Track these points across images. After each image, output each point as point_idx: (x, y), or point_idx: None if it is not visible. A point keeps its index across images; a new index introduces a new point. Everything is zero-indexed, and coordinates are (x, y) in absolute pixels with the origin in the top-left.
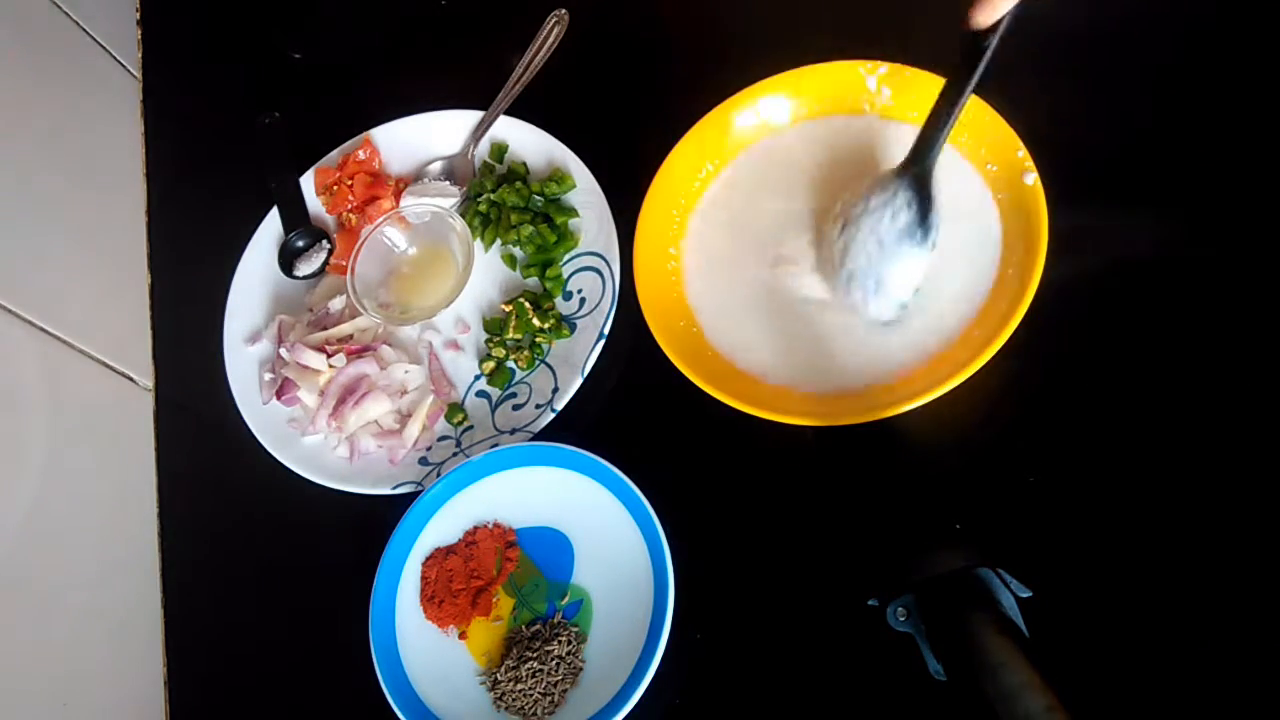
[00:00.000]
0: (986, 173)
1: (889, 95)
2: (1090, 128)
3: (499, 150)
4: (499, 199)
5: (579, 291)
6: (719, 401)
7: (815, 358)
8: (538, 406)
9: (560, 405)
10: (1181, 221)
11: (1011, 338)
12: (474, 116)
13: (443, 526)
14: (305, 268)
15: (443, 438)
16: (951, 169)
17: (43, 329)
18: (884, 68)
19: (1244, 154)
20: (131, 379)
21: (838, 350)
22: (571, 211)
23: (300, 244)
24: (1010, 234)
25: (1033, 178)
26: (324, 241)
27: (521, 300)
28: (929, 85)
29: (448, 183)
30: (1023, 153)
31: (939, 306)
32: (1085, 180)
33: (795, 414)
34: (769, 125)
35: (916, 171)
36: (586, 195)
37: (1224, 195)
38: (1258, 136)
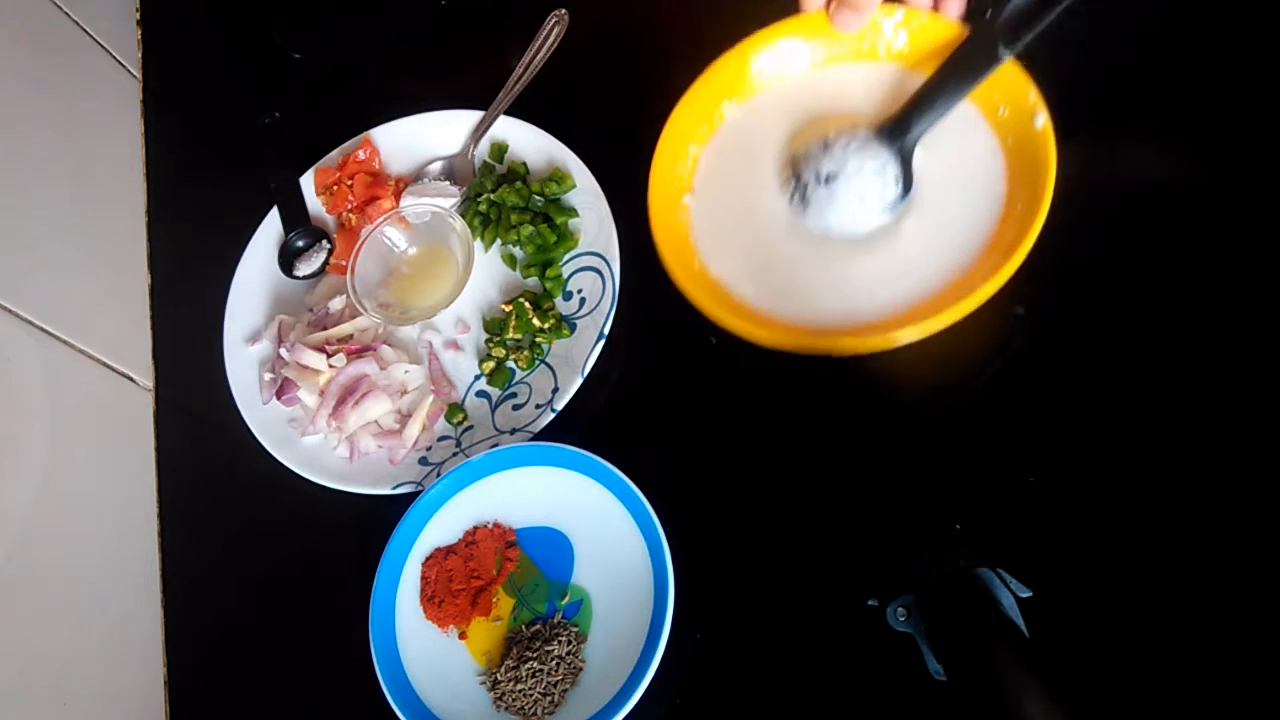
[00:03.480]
0: (997, 117)
1: (905, 40)
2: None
3: (499, 150)
4: (499, 199)
5: (579, 291)
6: (719, 401)
7: (826, 295)
8: (538, 406)
9: (560, 405)
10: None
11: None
12: (474, 116)
13: (443, 526)
14: (305, 268)
15: (443, 438)
16: (958, 112)
17: (43, 329)
18: (900, 12)
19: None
20: (131, 379)
21: (848, 290)
22: (571, 211)
23: (300, 244)
24: (1017, 177)
25: (1042, 120)
26: (324, 241)
27: (521, 300)
28: (946, 32)
29: (448, 183)
30: (1034, 96)
31: (949, 245)
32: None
33: (799, 342)
34: (784, 70)
35: (904, 144)
36: (586, 195)
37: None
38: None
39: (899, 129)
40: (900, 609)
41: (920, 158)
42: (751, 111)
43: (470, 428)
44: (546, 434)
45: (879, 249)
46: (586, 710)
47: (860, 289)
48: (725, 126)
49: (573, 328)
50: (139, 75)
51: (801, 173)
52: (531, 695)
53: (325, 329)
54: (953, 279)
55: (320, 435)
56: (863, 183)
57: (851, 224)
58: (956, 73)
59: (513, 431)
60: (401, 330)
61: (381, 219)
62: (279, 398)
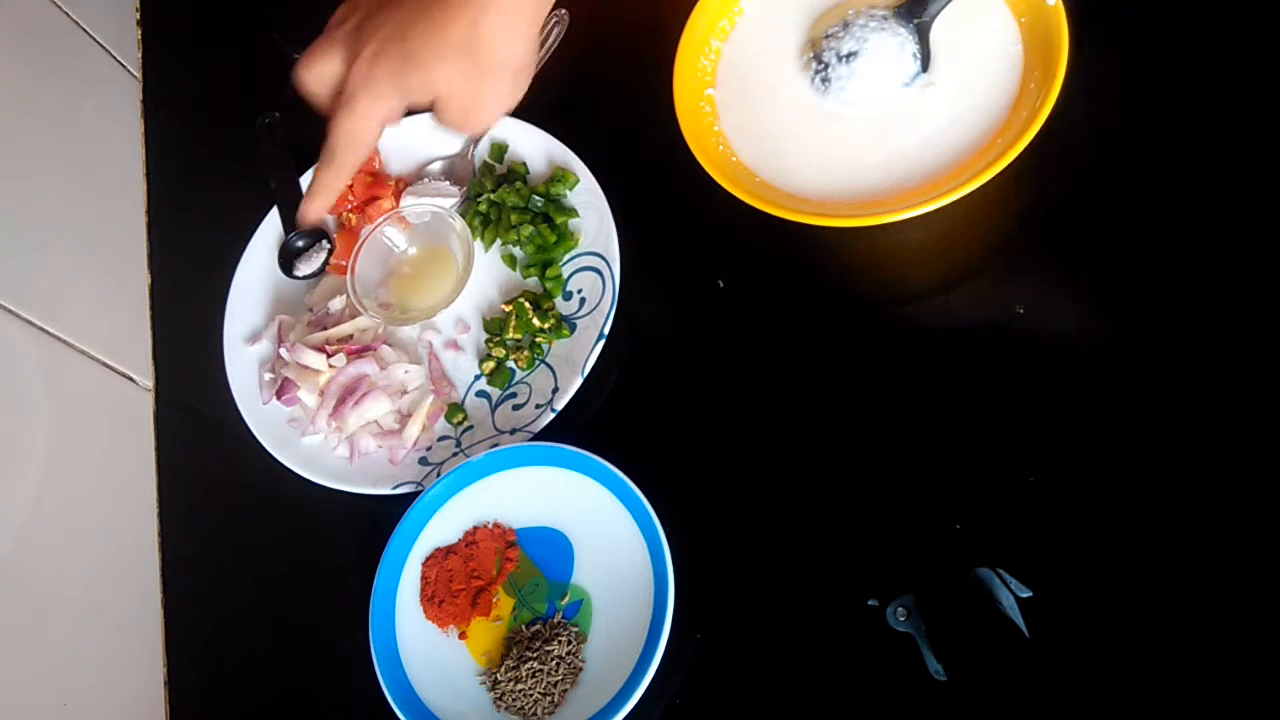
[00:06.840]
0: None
1: None
2: None
3: (499, 150)
4: (499, 199)
5: (579, 291)
6: (719, 402)
7: (846, 172)
8: (538, 406)
9: (560, 405)
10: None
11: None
12: None
13: (443, 526)
14: (305, 268)
15: (443, 438)
16: None
17: (43, 329)
18: None
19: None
20: (131, 379)
21: (867, 166)
22: (571, 211)
23: (300, 244)
24: (1032, 53)
25: None
26: (324, 241)
27: (521, 300)
28: None
29: (448, 183)
30: None
31: (966, 121)
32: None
33: (815, 214)
34: None
35: (922, 21)
36: (586, 195)
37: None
38: None
39: (917, 6)
40: (900, 609)
41: (938, 35)
42: (770, 2)
43: (470, 428)
44: (546, 434)
45: (898, 126)
46: (586, 710)
47: (878, 164)
48: (745, 19)
49: (573, 328)
50: (139, 75)
51: (822, 53)
52: (531, 695)
53: (325, 329)
54: (969, 153)
55: (320, 435)
56: (882, 60)
57: (871, 101)
58: None
59: (513, 431)
60: (401, 330)
61: (381, 219)
62: (279, 398)
